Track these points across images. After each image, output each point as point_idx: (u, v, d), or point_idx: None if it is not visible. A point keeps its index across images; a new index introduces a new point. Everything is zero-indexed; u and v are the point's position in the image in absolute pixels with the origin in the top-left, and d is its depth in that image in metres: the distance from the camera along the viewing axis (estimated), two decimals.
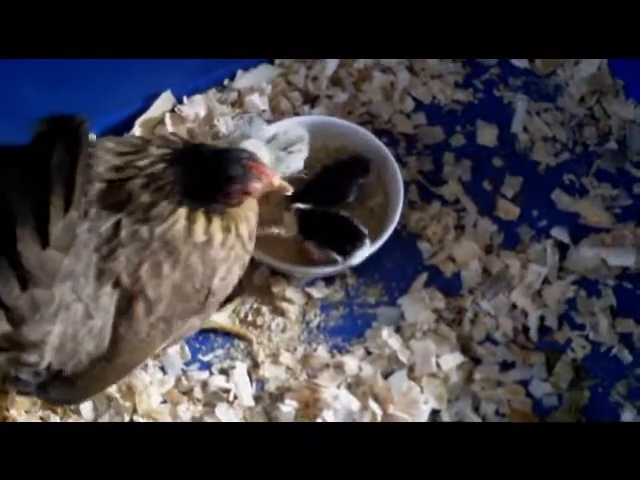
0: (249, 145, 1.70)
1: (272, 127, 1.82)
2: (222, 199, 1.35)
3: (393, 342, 1.67)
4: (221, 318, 1.66)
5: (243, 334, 1.68)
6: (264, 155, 1.70)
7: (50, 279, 1.18)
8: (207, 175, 1.34)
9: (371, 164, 1.80)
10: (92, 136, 1.71)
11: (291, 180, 1.68)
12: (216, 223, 1.34)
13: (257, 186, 1.38)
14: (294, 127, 1.82)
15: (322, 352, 1.68)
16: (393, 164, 1.80)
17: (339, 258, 1.67)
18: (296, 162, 1.79)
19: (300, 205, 1.71)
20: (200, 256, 1.32)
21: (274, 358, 1.67)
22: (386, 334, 1.67)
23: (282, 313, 1.72)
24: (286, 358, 1.67)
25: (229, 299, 1.60)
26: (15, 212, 1.12)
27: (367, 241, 1.67)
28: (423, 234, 1.82)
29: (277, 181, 1.43)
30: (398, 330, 1.70)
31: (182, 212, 1.31)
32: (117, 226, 1.28)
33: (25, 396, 1.52)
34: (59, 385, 1.32)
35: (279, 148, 1.77)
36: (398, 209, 1.73)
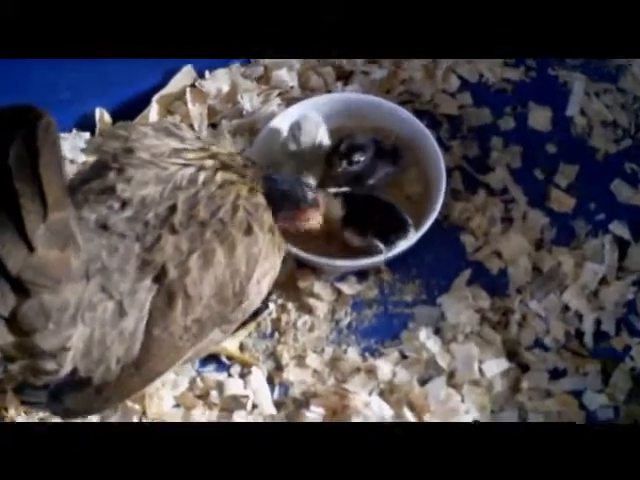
0: (309, 124, 1.72)
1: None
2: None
3: (431, 345, 1.63)
4: (228, 343, 1.61)
5: (247, 361, 1.64)
6: (324, 133, 1.74)
7: (54, 282, 1.14)
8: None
9: (404, 160, 1.75)
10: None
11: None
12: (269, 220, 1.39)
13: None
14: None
15: (353, 354, 1.64)
16: (435, 148, 1.75)
17: (382, 247, 1.61)
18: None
19: (337, 189, 1.65)
20: (245, 249, 1.31)
21: (300, 360, 1.64)
22: (424, 336, 1.64)
23: (309, 310, 1.69)
24: (313, 360, 1.63)
25: (244, 323, 1.55)
26: None
27: (412, 230, 1.63)
28: (467, 226, 1.79)
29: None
30: (437, 332, 1.66)
31: (244, 192, 1.34)
32: (171, 210, 1.27)
33: (32, 407, 1.49)
34: (77, 394, 1.28)
35: None
36: (439, 198, 1.69)
